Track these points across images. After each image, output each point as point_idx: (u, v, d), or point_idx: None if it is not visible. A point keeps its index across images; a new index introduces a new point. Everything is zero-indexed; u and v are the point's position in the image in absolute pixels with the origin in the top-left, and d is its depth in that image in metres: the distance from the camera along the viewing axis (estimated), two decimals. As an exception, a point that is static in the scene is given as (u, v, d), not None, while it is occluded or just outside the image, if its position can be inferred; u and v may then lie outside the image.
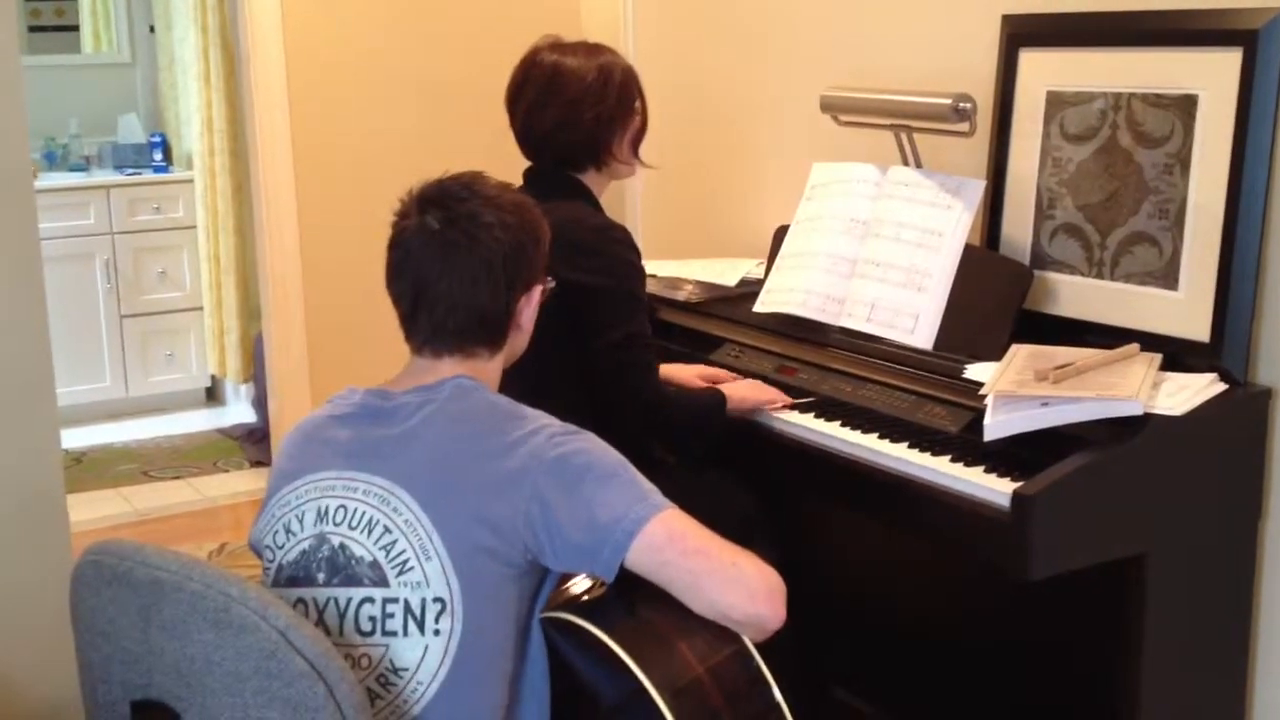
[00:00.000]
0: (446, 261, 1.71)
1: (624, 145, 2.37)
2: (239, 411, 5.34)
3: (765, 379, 2.47)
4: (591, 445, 1.67)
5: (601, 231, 2.28)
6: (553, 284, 1.86)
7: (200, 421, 5.32)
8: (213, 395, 5.58)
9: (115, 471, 4.70)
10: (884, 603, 2.64)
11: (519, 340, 1.82)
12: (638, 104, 2.39)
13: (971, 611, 2.46)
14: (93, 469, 4.72)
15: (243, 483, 4.55)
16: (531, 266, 1.78)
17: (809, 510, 2.65)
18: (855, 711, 2.67)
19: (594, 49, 2.39)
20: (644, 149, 2.44)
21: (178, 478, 4.64)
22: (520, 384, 1.84)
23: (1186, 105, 2.17)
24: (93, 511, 4.26)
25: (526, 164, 2.41)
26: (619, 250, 2.27)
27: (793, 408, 2.36)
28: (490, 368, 1.78)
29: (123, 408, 5.32)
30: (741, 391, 2.37)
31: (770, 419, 2.36)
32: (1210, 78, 2.13)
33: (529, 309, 1.80)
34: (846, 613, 2.67)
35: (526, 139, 2.37)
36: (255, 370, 4.94)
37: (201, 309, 5.33)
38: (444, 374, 1.73)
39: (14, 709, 2.28)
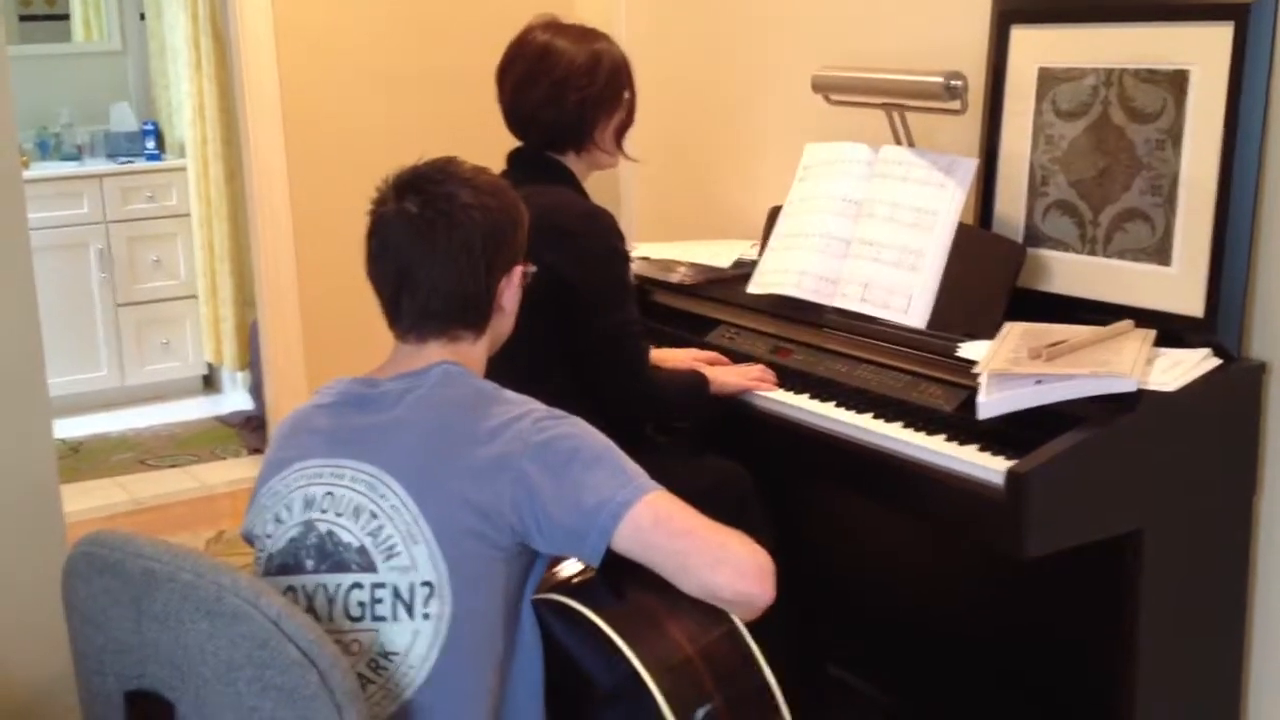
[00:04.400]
0: (426, 244, 1.71)
1: (607, 134, 2.35)
2: (236, 399, 5.34)
3: (760, 361, 2.47)
4: (578, 429, 1.67)
5: (587, 218, 2.27)
6: (533, 268, 1.85)
7: (197, 409, 5.31)
8: (209, 383, 5.58)
9: (112, 460, 4.70)
10: (880, 581, 2.64)
11: (502, 323, 1.81)
12: (626, 95, 2.37)
13: (967, 589, 2.46)
14: (90, 458, 4.72)
15: (240, 470, 4.55)
16: (511, 247, 1.78)
17: (805, 490, 2.65)
18: (852, 689, 2.67)
19: (588, 34, 2.37)
20: (634, 134, 2.42)
21: (175, 466, 4.64)
22: (509, 370, 1.84)
23: (1178, 81, 2.16)
24: (90, 501, 4.26)
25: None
26: (605, 237, 2.26)
27: (785, 388, 2.36)
28: (475, 351, 1.77)
29: (119, 397, 5.31)
30: (724, 376, 2.37)
31: (765, 400, 2.35)
32: (1201, 53, 2.12)
33: (510, 290, 1.79)
34: (843, 591, 2.67)
35: (512, 115, 2.36)
36: (251, 357, 4.94)
37: (197, 297, 5.32)
38: (429, 359, 1.73)
39: (9, 699, 2.29)
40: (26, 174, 5.05)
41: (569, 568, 1.76)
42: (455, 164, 1.78)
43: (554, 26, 2.36)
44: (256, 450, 4.70)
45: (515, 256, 1.79)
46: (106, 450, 4.82)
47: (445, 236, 1.71)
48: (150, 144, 5.40)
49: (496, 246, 1.74)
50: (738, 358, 2.51)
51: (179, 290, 5.38)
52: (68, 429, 4.92)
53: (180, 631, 1.49)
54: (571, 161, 2.36)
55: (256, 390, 4.83)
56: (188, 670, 1.50)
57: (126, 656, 1.55)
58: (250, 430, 4.91)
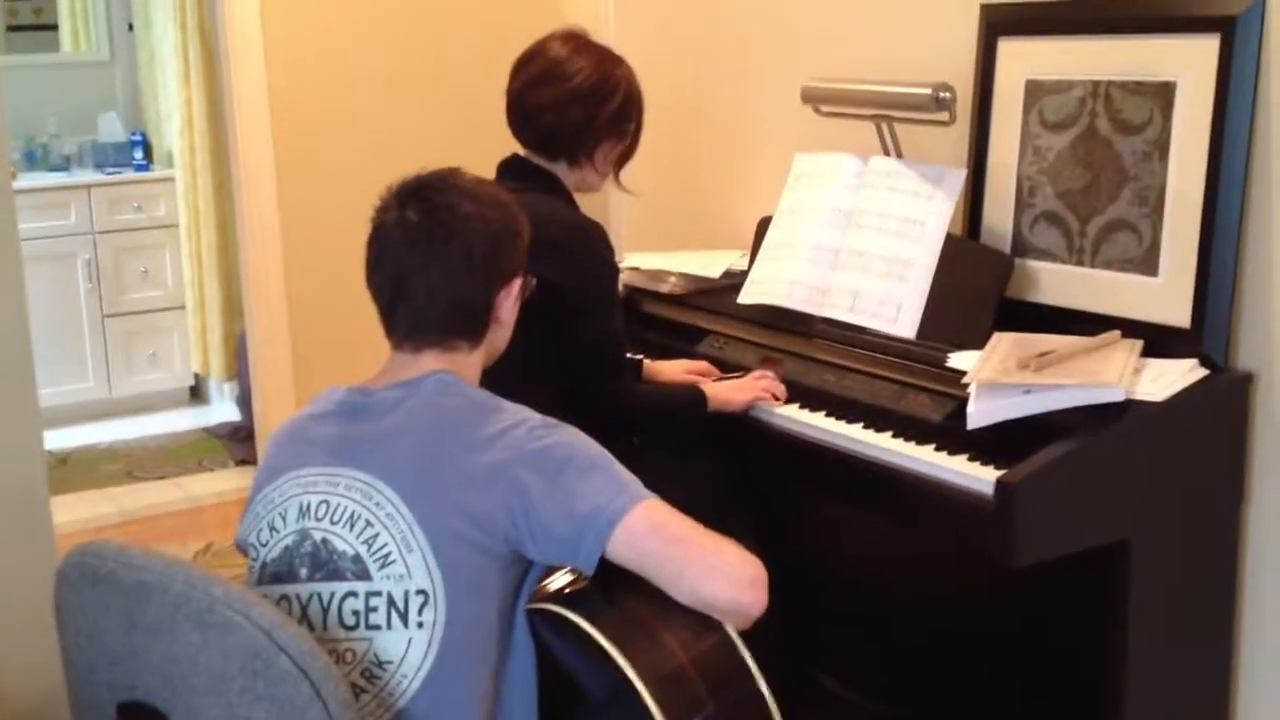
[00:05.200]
0: (426, 253, 1.71)
1: (604, 158, 2.34)
2: (223, 410, 5.33)
3: (749, 371, 2.47)
4: (572, 438, 1.68)
5: (576, 228, 2.26)
6: (534, 281, 1.85)
7: (184, 420, 5.30)
8: (197, 394, 5.57)
9: (100, 472, 4.68)
10: (869, 590, 2.65)
11: (499, 335, 1.82)
12: (631, 126, 2.36)
13: (957, 599, 2.47)
14: (77, 470, 4.70)
15: (228, 481, 4.53)
16: (511, 259, 1.78)
17: (793, 499, 2.65)
18: (841, 699, 2.68)
19: (608, 57, 2.34)
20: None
21: (163, 477, 4.62)
22: (500, 378, 1.84)
23: (1165, 92, 2.18)
24: (78, 513, 4.24)
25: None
26: (594, 248, 2.26)
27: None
28: (470, 362, 1.77)
29: (107, 408, 5.29)
30: (725, 393, 2.35)
31: (754, 408, 2.36)
32: (1188, 64, 2.14)
33: (509, 302, 1.79)
34: (832, 601, 2.67)
35: (515, 108, 2.34)
36: (239, 368, 4.93)
37: (184, 308, 5.31)
38: (424, 369, 1.73)
39: (2, 712, 2.28)
40: (13, 185, 5.03)
41: (561, 578, 1.77)
42: (458, 175, 1.79)
43: (575, 39, 2.34)
44: (243, 461, 4.68)
45: (515, 269, 1.80)
46: (94, 462, 4.80)
47: (444, 246, 1.71)
48: (138, 154, 5.39)
49: (495, 258, 1.75)
50: (727, 368, 2.51)
51: (166, 301, 5.36)
52: (55, 440, 4.89)
53: (172, 642, 1.49)
54: (561, 170, 2.36)
55: (244, 401, 4.81)
56: (180, 681, 1.49)
57: (118, 668, 1.55)
58: (237, 441, 4.89)
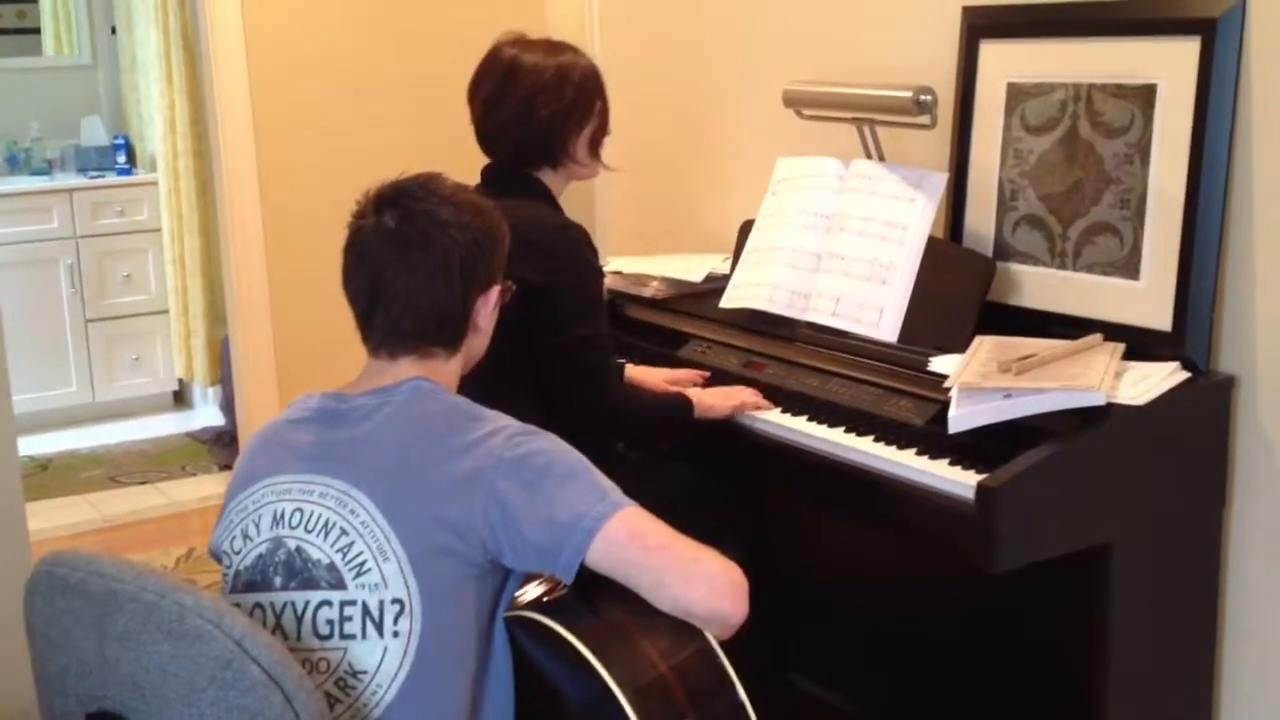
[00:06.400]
0: (402, 260, 1.70)
1: (581, 146, 2.34)
2: (207, 415, 5.31)
3: (731, 375, 2.46)
4: (551, 445, 1.66)
5: (559, 231, 2.25)
6: (513, 287, 1.84)
7: (168, 425, 5.27)
8: (180, 399, 5.54)
9: (82, 477, 4.66)
10: (851, 595, 2.64)
11: (477, 342, 1.80)
12: (598, 105, 2.36)
13: (938, 603, 2.46)
14: (60, 475, 4.68)
15: (211, 486, 4.51)
16: (489, 266, 1.77)
17: (776, 504, 2.64)
18: (822, 704, 2.67)
19: (555, 47, 2.36)
20: (608, 145, 2.41)
21: (145, 483, 4.60)
22: (475, 385, 1.83)
23: (1146, 95, 2.17)
24: (60, 519, 4.22)
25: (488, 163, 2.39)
26: (576, 250, 2.25)
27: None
28: (447, 369, 1.76)
29: (89, 413, 5.27)
30: (710, 399, 2.34)
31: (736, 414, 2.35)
32: (1169, 67, 2.13)
33: (486, 310, 1.78)
34: (814, 606, 2.67)
35: (483, 133, 2.35)
36: (222, 373, 4.91)
37: (167, 312, 5.29)
38: (401, 375, 1.71)
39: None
40: (-5, 189, 5.03)
41: (540, 586, 1.75)
42: (437, 181, 1.77)
43: (521, 42, 2.35)
44: (227, 466, 4.66)
45: (493, 277, 1.78)
46: (76, 467, 4.77)
47: (421, 253, 1.70)
48: (121, 158, 5.36)
49: (473, 266, 1.73)
50: (710, 371, 2.50)
51: (149, 305, 5.34)
52: (37, 446, 4.88)
53: (142, 652, 1.47)
54: (547, 176, 2.35)
55: (227, 406, 4.80)
56: (150, 691, 1.48)
57: (89, 678, 1.53)
58: (221, 446, 4.87)
